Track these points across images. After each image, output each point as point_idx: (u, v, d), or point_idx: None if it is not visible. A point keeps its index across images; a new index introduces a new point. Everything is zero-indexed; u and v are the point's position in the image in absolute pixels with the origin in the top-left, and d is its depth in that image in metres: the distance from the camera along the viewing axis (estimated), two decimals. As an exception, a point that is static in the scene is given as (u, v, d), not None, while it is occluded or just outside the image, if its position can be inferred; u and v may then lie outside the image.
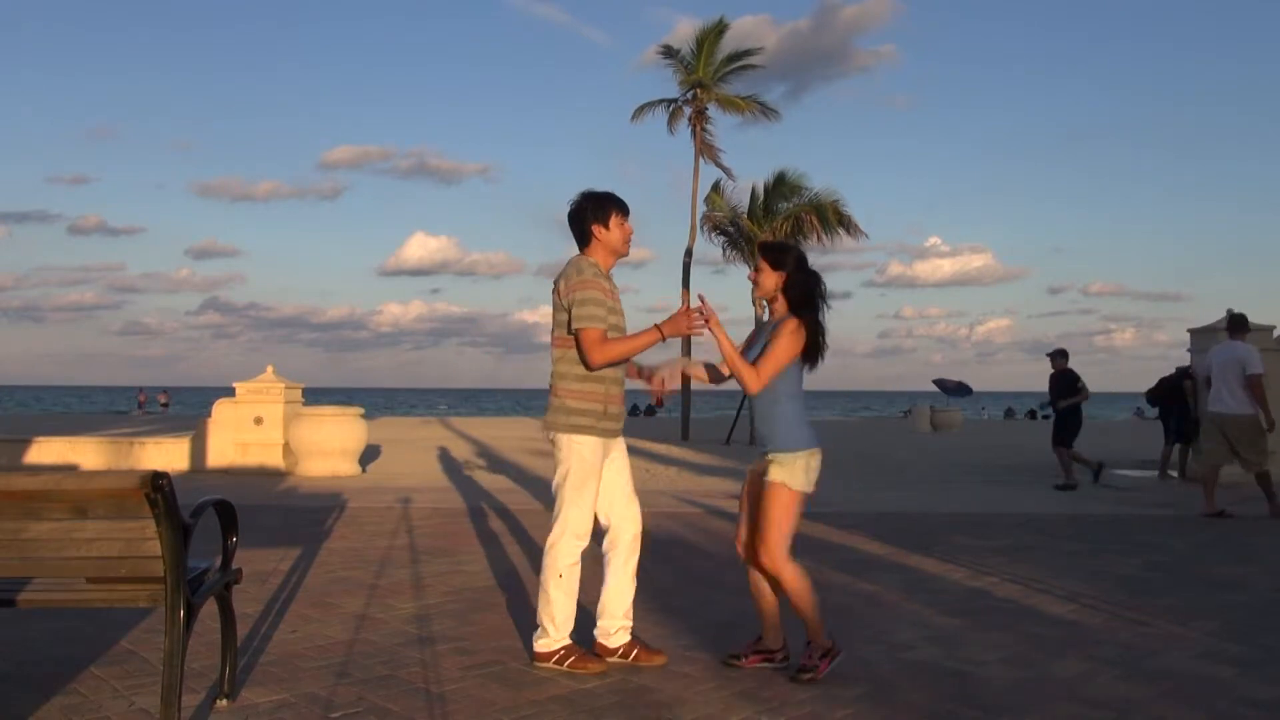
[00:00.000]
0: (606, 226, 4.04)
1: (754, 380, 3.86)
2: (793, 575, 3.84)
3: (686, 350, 23.33)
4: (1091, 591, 5.57)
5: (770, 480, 3.87)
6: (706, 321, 3.88)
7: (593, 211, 4.04)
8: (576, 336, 3.92)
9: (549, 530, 4.01)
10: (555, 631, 3.96)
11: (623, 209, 4.09)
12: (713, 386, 4.36)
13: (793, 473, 3.84)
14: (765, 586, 4.01)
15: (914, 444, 21.62)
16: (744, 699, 3.63)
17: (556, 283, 4.04)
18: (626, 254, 4.15)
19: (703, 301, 3.91)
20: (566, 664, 3.93)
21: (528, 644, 4.32)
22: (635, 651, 4.04)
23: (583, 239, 4.08)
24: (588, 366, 3.94)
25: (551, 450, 4.06)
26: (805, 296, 3.93)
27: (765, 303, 4.10)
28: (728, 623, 4.77)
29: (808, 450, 3.87)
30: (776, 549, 3.83)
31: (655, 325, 3.94)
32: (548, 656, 3.96)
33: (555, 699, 3.60)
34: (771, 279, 3.98)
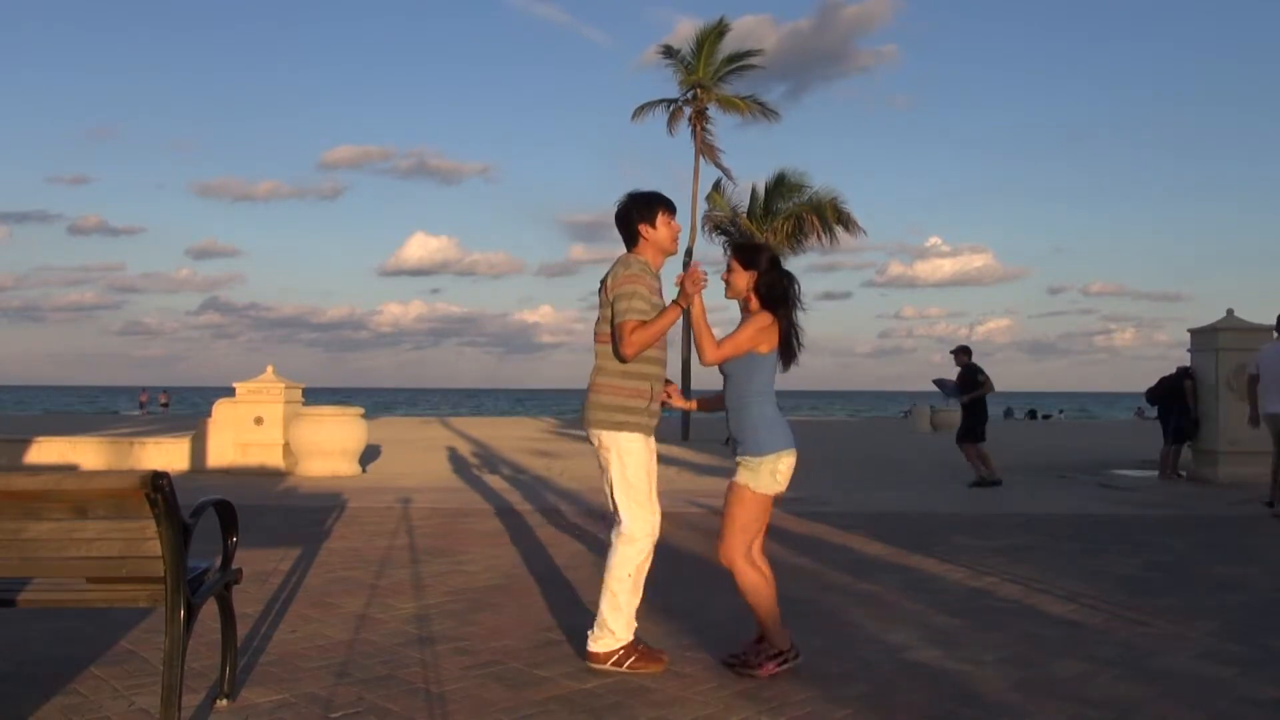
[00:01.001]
0: (654, 225, 4.04)
1: (711, 350, 3.87)
2: (744, 572, 3.86)
3: (687, 366, 23.34)
4: (1091, 591, 5.56)
5: (734, 481, 3.91)
6: (693, 284, 3.86)
7: (639, 211, 4.05)
8: (616, 329, 3.90)
9: (617, 529, 3.94)
10: (619, 631, 3.91)
11: (670, 207, 4.10)
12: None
13: (756, 476, 3.85)
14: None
15: (914, 444, 21.62)
16: (744, 699, 3.63)
17: (604, 280, 4.04)
18: (675, 251, 4.16)
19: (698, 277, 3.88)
20: (626, 664, 3.89)
21: (528, 644, 4.32)
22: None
23: (631, 239, 4.08)
24: (621, 358, 3.91)
25: (595, 450, 4.01)
26: (777, 295, 3.94)
27: (740, 304, 4.08)
28: (728, 623, 4.77)
29: (774, 454, 3.85)
30: (730, 546, 3.86)
31: (673, 302, 3.91)
32: (605, 658, 3.91)
33: (555, 699, 3.60)
34: (743, 279, 3.98)
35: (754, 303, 3.99)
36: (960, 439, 12.17)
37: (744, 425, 3.92)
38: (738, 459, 3.93)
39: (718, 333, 3.96)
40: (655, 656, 3.97)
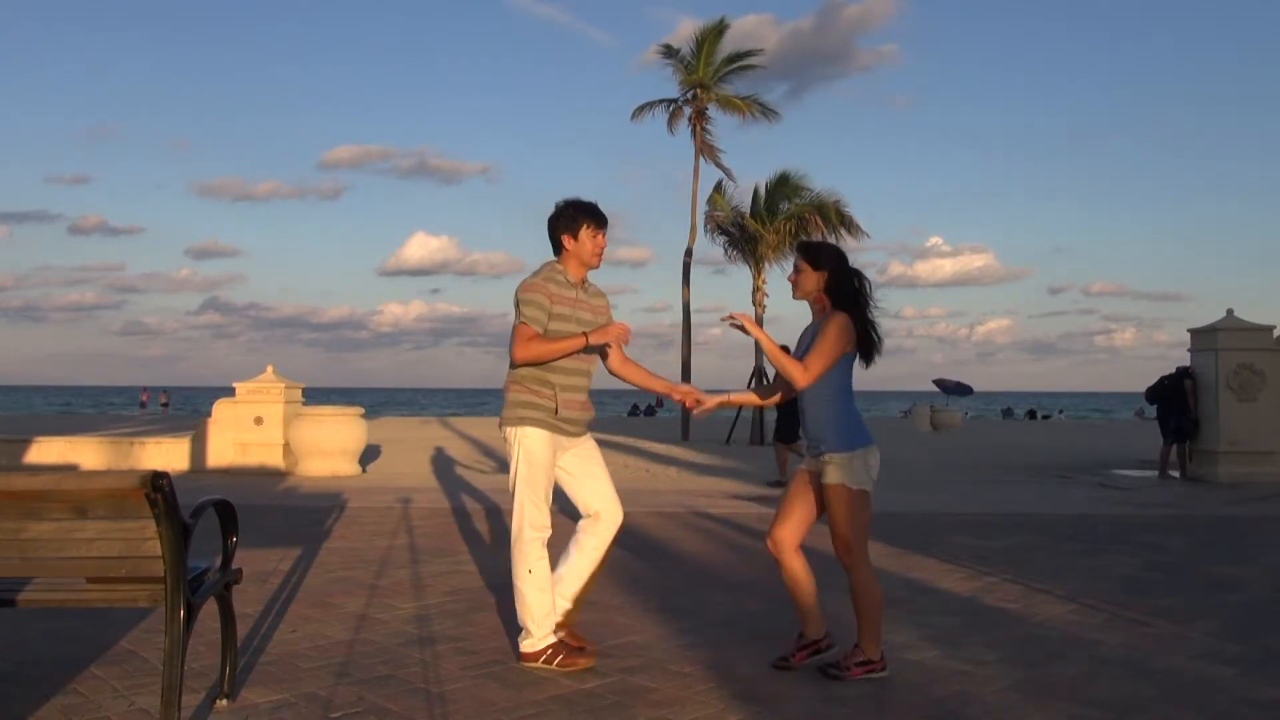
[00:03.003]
0: (576, 237, 4.07)
1: (801, 374, 3.81)
2: (865, 576, 3.82)
3: (687, 366, 23.34)
4: (1091, 591, 5.56)
5: (829, 483, 3.83)
6: (743, 326, 3.92)
7: (565, 221, 4.08)
8: (512, 331, 3.97)
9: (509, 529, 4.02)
10: (537, 630, 3.95)
11: (597, 220, 4.09)
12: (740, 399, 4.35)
13: (851, 472, 3.80)
14: (801, 577, 3.97)
15: (914, 444, 21.62)
16: (744, 699, 3.63)
17: None
18: (596, 266, 4.15)
19: (736, 316, 3.95)
20: (555, 663, 3.93)
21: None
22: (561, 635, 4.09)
23: (555, 247, 4.14)
24: (512, 362, 3.98)
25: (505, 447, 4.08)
26: (849, 295, 3.91)
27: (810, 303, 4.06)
28: (727, 623, 4.77)
29: (863, 449, 3.83)
30: (853, 548, 3.81)
31: (583, 333, 3.97)
32: (534, 657, 3.96)
33: (555, 699, 3.60)
34: (812, 279, 3.95)
35: (824, 302, 3.96)
36: (774, 436, 12.23)
37: (825, 423, 3.87)
38: (825, 458, 3.85)
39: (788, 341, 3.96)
40: (584, 652, 3.99)
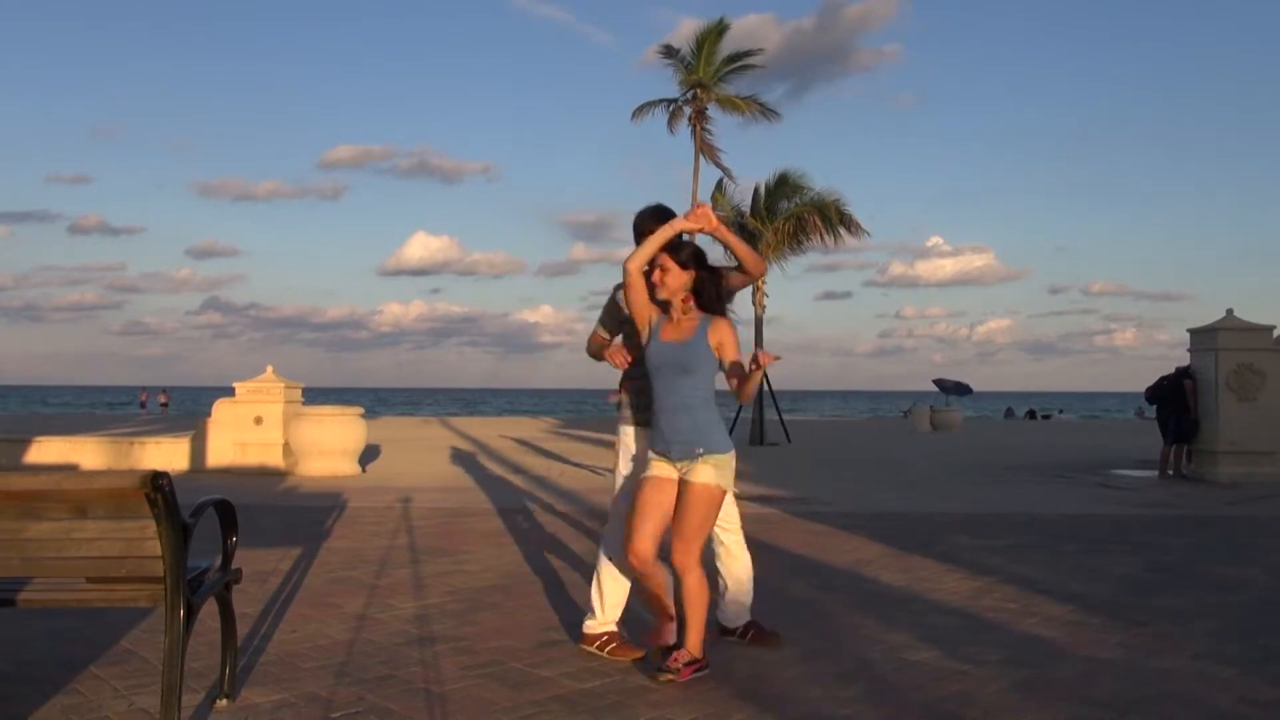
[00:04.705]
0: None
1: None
2: (700, 577, 3.81)
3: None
4: (1091, 591, 5.56)
5: (706, 483, 3.77)
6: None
7: (636, 230, 4.28)
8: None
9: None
10: (602, 615, 4.14)
11: (648, 222, 4.16)
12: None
13: (725, 474, 3.83)
14: (671, 583, 3.93)
15: (914, 444, 21.62)
16: (744, 699, 3.63)
17: None
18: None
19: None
20: (607, 650, 4.09)
21: (528, 644, 4.34)
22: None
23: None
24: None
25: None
26: (714, 295, 3.93)
27: (661, 302, 3.96)
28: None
29: (732, 451, 3.90)
30: (694, 550, 3.79)
31: (669, 223, 3.93)
32: (591, 640, 4.14)
33: (555, 699, 3.60)
34: (680, 278, 3.89)
35: (690, 301, 3.92)
36: None
37: (703, 424, 3.83)
38: (704, 459, 3.78)
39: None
40: (633, 647, 4.11)
